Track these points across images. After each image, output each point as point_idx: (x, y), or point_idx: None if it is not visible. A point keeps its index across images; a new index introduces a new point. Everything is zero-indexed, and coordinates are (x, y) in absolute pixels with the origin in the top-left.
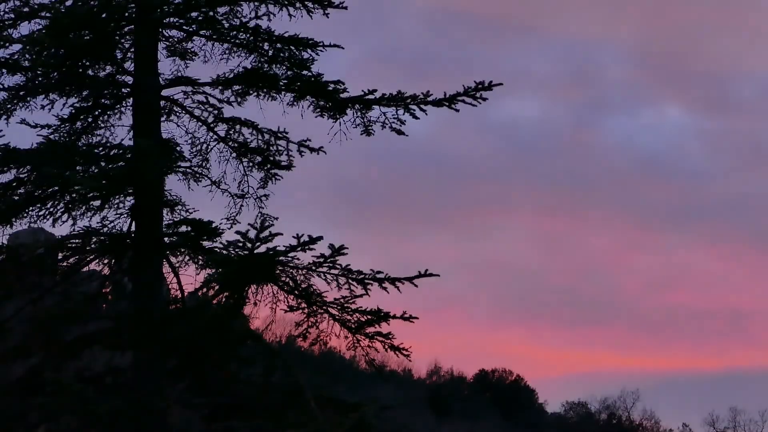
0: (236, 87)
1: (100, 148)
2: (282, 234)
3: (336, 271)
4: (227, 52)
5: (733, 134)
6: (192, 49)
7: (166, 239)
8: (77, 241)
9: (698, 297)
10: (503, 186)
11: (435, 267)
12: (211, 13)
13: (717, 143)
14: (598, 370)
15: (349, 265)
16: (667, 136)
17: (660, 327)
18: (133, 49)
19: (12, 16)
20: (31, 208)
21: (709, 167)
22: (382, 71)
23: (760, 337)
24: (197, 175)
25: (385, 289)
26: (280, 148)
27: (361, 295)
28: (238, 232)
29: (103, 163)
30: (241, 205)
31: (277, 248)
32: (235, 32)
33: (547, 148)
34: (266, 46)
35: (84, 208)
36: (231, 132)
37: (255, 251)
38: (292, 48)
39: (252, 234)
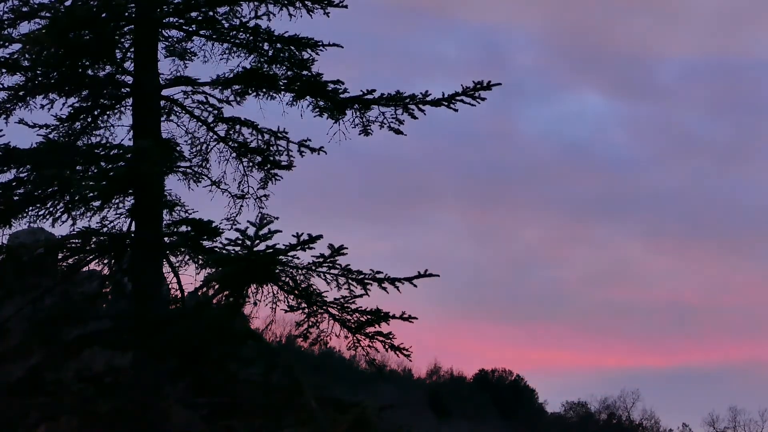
0: (236, 87)
1: (100, 148)
2: (281, 231)
3: (336, 271)
4: (227, 52)
5: (656, 120)
6: (192, 49)
7: (166, 239)
8: (77, 241)
9: (641, 292)
10: (426, 177)
11: (368, 260)
12: (210, 13)
13: (641, 130)
14: (545, 366)
15: (349, 264)
16: (590, 123)
17: (605, 323)
18: (133, 49)
19: (12, 15)
20: (31, 208)
21: (636, 155)
22: None
23: (706, 332)
24: (197, 175)
25: (384, 289)
26: (280, 148)
27: (361, 295)
28: (237, 230)
29: (103, 163)
30: (241, 206)
31: (277, 247)
32: (234, 32)
33: (467, 136)
34: (266, 46)
35: (84, 208)
36: (231, 132)
37: (254, 249)
38: (292, 48)
39: (251, 232)
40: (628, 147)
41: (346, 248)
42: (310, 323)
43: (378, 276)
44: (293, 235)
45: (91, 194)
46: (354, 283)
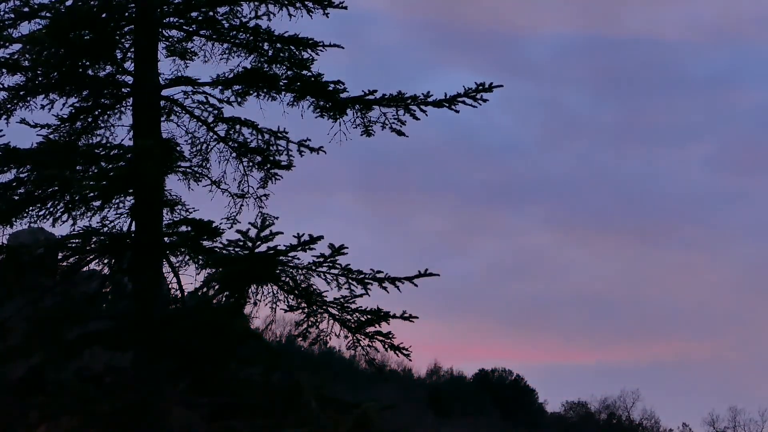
0: (236, 87)
1: (100, 148)
2: (282, 233)
3: (336, 271)
4: (227, 52)
5: (537, 101)
6: (192, 49)
7: (166, 239)
8: (77, 241)
9: (554, 284)
10: (314, 161)
11: None
12: (211, 13)
13: (523, 111)
14: (462, 363)
15: (349, 264)
16: (469, 105)
17: (522, 317)
18: (133, 49)
19: (12, 16)
20: (31, 208)
21: (524, 138)
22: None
23: (626, 326)
24: (197, 175)
25: (385, 288)
26: (280, 148)
27: (361, 295)
28: (239, 231)
29: (103, 163)
30: (241, 205)
31: (278, 248)
32: (235, 32)
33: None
34: (266, 46)
35: (84, 208)
36: (231, 132)
37: (255, 250)
38: (292, 48)
39: (252, 233)
40: (514, 129)
41: (347, 248)
42: (310, 323)
43: (378, 275)
44: (294, 236)
45: (91, 194)
46: (354, 283)
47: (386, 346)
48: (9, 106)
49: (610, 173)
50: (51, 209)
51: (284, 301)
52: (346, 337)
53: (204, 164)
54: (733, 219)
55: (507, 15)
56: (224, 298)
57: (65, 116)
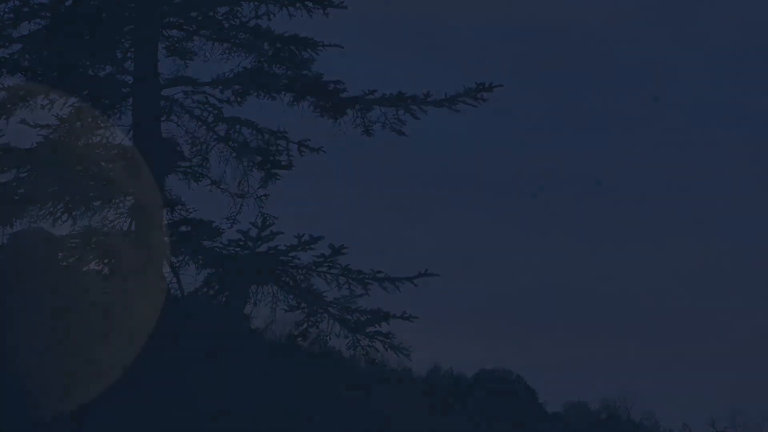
0: (236, 87)
1: (100, 148)
2: (283, 233)
3: (336, 271)
4: (227, 52)
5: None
6: (192, 49)
7: (166, 239)
8: (77, 241)
9: (503, 280)
10: None
11: None
12: (211, 13)
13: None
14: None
15: (349, 264)
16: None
17: (463, 313)
18: (133, 49)
19: (12, 16)
20: (31, 208)
21: (452, 129)
22: None
23: (582, 321)
24: (197, 175)
25: (384, 288)
26: (280, 148)
27: (360, 295)
28: (239, 231)
29: (103, 163)
30: (241, 205)
31: (278, 248)
32: (235, 32)
33: (267, 107)
34: (266, 46)
35: (84, 208)
36: (231, 132)
37: (256, 250)
38: (292, 48)
39: (253, 233)
40: (441, 118)
41: (347, 248)
42: (310, 323)
43: (378, 275)
44: (294, 236)
45: (91, 194)
46: (354, 283)
47: (386, 346)
48: (9, 106)
49: (545, 163)
50: (51, 209)
51: (284, 301)
52: (346, 337)
53: (204, 164)
54: (673, 210)
55: (432, 3)
56: (224, 298)
57: (65, 116)
